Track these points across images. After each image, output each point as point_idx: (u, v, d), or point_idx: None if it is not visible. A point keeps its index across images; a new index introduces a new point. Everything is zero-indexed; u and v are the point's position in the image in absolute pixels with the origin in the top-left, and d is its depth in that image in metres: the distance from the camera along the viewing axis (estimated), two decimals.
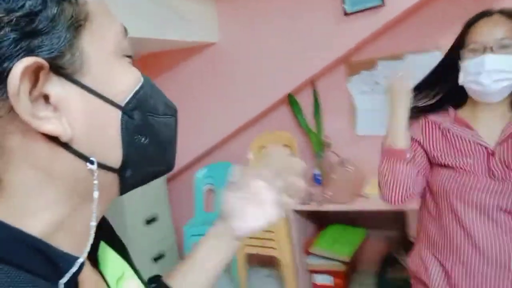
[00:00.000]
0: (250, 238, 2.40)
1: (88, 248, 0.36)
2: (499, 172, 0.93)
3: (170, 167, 0.44)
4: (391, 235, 2.40)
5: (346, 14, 2.14)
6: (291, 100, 2.52)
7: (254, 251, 2.41)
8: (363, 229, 2.42)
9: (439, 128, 1.03)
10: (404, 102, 0.98)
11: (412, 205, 1.94)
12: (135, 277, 0.47)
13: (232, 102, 2.59)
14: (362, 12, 2.09)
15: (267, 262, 2.75)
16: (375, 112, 2.38)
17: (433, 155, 1.02)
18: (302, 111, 2.52)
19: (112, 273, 0.43)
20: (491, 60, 0.92)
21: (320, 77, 2.46)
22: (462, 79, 0.98)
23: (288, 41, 2.34)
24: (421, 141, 1.06)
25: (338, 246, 2.29)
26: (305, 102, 2.51)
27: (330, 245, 2.30)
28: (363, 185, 2.27)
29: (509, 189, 0.91)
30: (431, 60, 2.20)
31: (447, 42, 2.07)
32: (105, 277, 0.42)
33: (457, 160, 0.98)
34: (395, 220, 2.24)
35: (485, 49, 0.93)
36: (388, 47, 2.25)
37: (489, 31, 0.94)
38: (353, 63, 2.37)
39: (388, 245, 2.41)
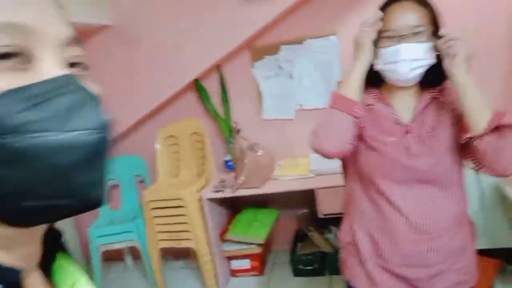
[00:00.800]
0: (164, 232, 2.30)
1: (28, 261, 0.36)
2: (416, 148, 0.99)
3: (83, 199, 0.35)
4: (301, 214, 2.52)
5: None
6: (198, 86, 2.45)
7: (168, 244, 2.32)
8: (276, 210, 2.49)
9: (365, 105, 1.05)
10: (364, 55, 0.99)
11: (321, 184, 2.08)
12: (89, 285, 0.45)
13: (134, 90, 2.42)
14: None
15: (182, 254, 2.68)
16: (280, 96, 2.44)
17: (363, 133, 1.05)
18: (210, 97, 2.47)
19: (64, 283, 0.42)
20: (406, 49, 0.95)
21: (226, 62, 2.43)
22: (380, 66, 1.01)
23: (191, 25, 2.25)
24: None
25: (253, 229, 2.32)
26: (212, 88, 2.46)
27: (244, 230, 2.32)
28: (273, 168, 2.33)
29: (426, 164, 0.98)
30: (328, 44, 2.36)
31: (344, 27, 2.24)
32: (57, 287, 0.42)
33: (380, 138, 1.02)
34: (305, 199, 2.34)
35: (400, 38, 0.96)
36: (290, 32, 2.31)
37: (403, 18, 0.96)
38: (257, 48, 2.38)
39: (299, 223, 2.53)
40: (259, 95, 2.46)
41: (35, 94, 0.32)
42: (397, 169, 1.00)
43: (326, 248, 2.29)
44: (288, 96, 2.43)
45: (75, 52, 0.39)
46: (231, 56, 2.39)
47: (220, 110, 2.47)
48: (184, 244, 2.29)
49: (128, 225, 2.42)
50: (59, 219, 0.36)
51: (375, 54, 1.01)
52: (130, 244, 2.45)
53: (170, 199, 2.22)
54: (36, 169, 0.32)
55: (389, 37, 0.98)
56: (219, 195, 2.18)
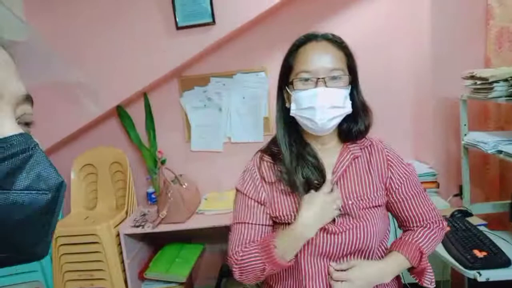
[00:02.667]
0: (74, 271, 2.08)
1: None
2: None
3: (26, 253, 0.36)
4: (226, 248, 2.45)
5: (178, 28, 2.10)
6: (121, 113, 2.32)
7: (79, 285, 2.09)
8: (200, 245, 2.39)
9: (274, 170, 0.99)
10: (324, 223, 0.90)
11: None
12: None
13: (49, 114, 2.21)
14: (194, 28, 2.09)
15: None
16: (208, 127, 2.41)
17: (276, 215, 0.96)
18: (134, 125, 2.35)
19: None
20: (323, 95, 0.89)
21: (153, 90, 2.35)
22: (294, 110, 0.95)
23: (117, 50, 2.15)
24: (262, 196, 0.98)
25: (175, 267, 2.19)
26: (137, 116, 2.35)
27: (166, 267, 2.18)
28: (199, 202, 2.26)
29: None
30: (257, 79, 2.41)
31: (273, 64, 2.30)
32: None
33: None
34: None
35: (317, 82, 0.90)
36: (221, 65, 2.31)
37: (319, 60, 0.91)
38: (187, 78, 2.35)
39: (224, 259, 2.46)
40: (187, 126, 2.40)
41: None
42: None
43: (250, 285, 2.24)
44: (217, 128, 2.41)
45: (28, 110, 0.40)
46: (159, 84, 2.32)
47: (144, 139, 2.36)
48: (97, 285, 2.08)
49: (33, 263, 2.15)
50: None
51: (289, 97, 0.96)
52: (34, 285, 2.16)
53: (82, 235, 2.02)
54: None
55: (302, 80, 0.92)
56: (139, 230, 2.03)
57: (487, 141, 1.54)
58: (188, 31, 2.10)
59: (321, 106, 0.90)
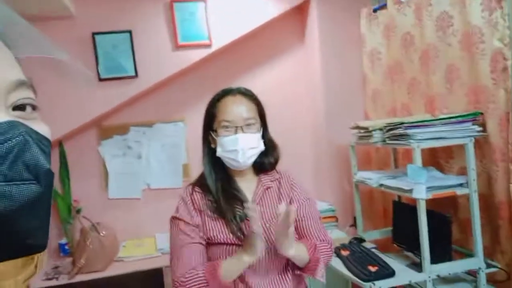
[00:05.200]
0: None
1: None
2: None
3: (21, 246, 0.35)
4: None
5: (100, 79, 2.19)
6: None
7: None
8: None
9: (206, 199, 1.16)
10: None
11: (168, 262, 2.09)
12: None
13: None
14: (116, 80, 2.21)
15: None
16: (127, 175, 2.45)
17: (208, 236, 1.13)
18: None
19: None
20: (243, 139, 1.12)
21: (70, 139, 2.34)
22: (221, 153, 1.16)
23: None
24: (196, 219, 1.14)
25: None
26: (52, 164, 2.28)
27: None
28: (117, 249, 2.23)
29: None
30: (176, 129, 2.58)
31: (191, 114, 2.50)
32: None
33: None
34: (152, 280, 2.28)
35: (236, 129, 1.13)
36: (140, 114, 2.43)
37: (237, 111, 1.14)
38: (106, 127, 2.40)
39: None
40: (104, 174, 2.41)
41: None
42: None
43: None
44: (136, 176, 2.46)
45: (22, 95, 0.38)
46: (76, 133, 2.33)
47: (58, 187, 2.30)
48: None
49: None
50: None
51: (215, 141, 1.17)
52: None
53: None
54: None
55: (225, 127, 1.15)
56: (54, 283, 1.93)
57: (372, 177, 1.91)
58: (110, 83, 2.21)
59: (242, 148, 1.13)
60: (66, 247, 2.26)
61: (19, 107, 0.38)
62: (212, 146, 1.20)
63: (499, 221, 1.63)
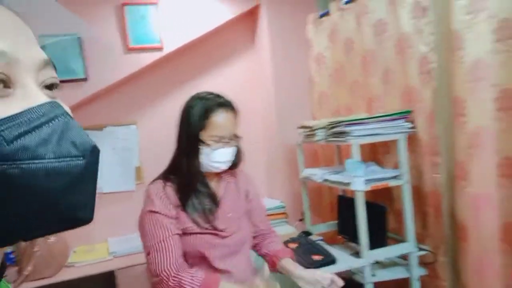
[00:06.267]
0: None
1: None
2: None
3: (70, 219, 0.36)
4: None
5: None
6: None
7: None
8: None
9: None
10: None
11: (121, 265, 2.08)
12: None
13: None
14: (66, 83, 2.18)
15: None
16: None
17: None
18: None
19: None
20: (229, 152, 1.28)
21: None
22: (203, 159, 1.26)
23: None
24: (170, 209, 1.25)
25: None
26: None
27: None
28: (67, 255, 2.19)
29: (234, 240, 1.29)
30: (128, 132, 2.57)
31: (143, 118, 2.51)
32: None
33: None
34: (105, 282, 2.26)
35: (224, 143, 1.26)
36: (92, 118, 2.41)
37: (229, 128, 1.26)
38: None
39: None
40: None
41: (24, 121, 0.33)
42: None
43: None
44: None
45: (50, 74, 0.40)
46: None
47: None
48: None
49: None
50: (46, 235, 0.37)
51: (199, 149, 1.26)
52: None
53: None
54: (26, 194, 0.33)
55: (215, 141, 1.25)
56: None
57: (317, 173, 2.03)
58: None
59: (228, 159, 1.28)
60: (12, 255, 2.18)
61: (49, 87, 0.39)
62: (192, 152, 1.27)
63: (428, 209, 1.79)
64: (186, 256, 1.23)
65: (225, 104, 1.29)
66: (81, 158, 0.35)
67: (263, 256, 1.46)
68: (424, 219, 1.85)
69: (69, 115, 0.37)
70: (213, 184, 1.35)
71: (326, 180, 1.96)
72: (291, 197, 2.52)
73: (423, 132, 1.77)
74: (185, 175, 1.27)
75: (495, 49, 1.40)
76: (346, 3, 2.20)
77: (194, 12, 2.43)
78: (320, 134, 1.99)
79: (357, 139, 1.72)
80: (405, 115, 1.80)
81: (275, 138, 2.58)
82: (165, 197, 1.24)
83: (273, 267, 1.41)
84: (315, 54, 2.50)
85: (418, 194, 1.85)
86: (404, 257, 1.83)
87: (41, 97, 0.36)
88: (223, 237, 1.27)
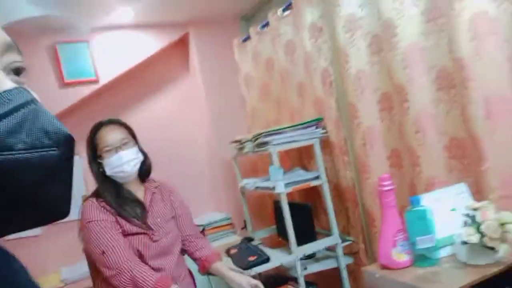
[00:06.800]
0: None
1: None
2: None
3: (48, 213, 0.35)
4: None
5: None
6: None
7: None
8: None
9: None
10: None
11: None
12: None
13: None
14: None
15: None
16: None
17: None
18: None
19: None
20: (124, 154, 1.42)
21: None
22: (109, 171, 1.42)
23: None
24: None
25: None
26: None
27: None
28: None
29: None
30: (74, 163, 2.66)
31: (85, 148, 2.61)
32: None
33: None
34: None
35: (116, 149, 1.42)
36: None
37: (113, 136, 1.44)
38: None
39: None
40: None
41: None
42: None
43: None
44: None
45: (16, 58, 0.37)
46: None
47: None
48: None
49: None
50: (22, 230, 0.35)
51: (102, 165, 1.44)
52: None
53: None
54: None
55: (108, 151, 1.44)
56: None
57: (250, 182, 2.22)
58: None
59: (126, 161, 1.43)
60: None
61: (15, 71, 0.37)
62: (100, 170, 1.46)
63: (347, 203, 2.02)
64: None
65: (106, 121, 1.50)
66: (55, 149, 0.32)
67: (195, 260, 1.61)
68: (346, 213, 2.08)
69: (38, 102, 0.34)
70: (139, 194, 1.52)
71: (257, 187, 2.15)
72: (235, 208, 2.69)
73: (333, 136, 2.01)
74: (105, 188, 1.43)
75: (371, 61, 1.67)
76: (262, 27, 2.46)
77: (126, 44, 2.60)
78: (248, 147, 2.19)
79: (275, 147, 1.94)
80: (317, 122, 2.04)
81: (216, 154, 2.76)
82: (101, 207, 1.41)
83: (204, 270, 1.57)
84: (243, 75, 2.74)
85: (338, 191, 2.08)
86: (332, 248, 2.04)
87: (7, 83, 0.33)
88: (155, 240, 1.43)
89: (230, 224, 2.61)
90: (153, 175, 1.62)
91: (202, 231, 1.89)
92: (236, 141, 2.35)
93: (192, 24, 2.76)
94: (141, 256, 1.40)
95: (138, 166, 1.49)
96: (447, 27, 1.35)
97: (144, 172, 1.55)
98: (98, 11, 2.31)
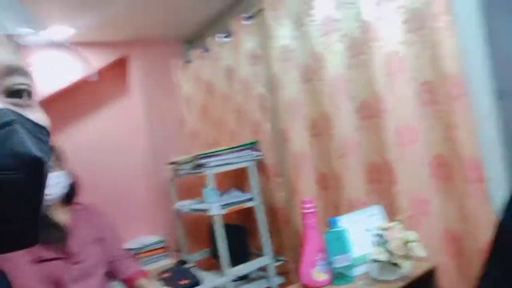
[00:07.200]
0: None
1: None
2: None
3: (10, 241, 0.34)
4: None
5: None
6: None
7: None
8: None
9: None
10: None
11: None
12: None
13: None
14: None
15: None
16: None
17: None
18: None
19: None
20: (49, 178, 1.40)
21: None
22: None
23: None
24: None
25: None
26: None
27: None
28: None
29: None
30: None
31: None
32: None
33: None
34: None
35: None
36: None
37: None
38: None
39: None
40: None
41: None
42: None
43: None
44: None
45: (17, 80, 0.37)
46: None
47: None
48: None
49: None
50: None
51: None
52: None
53: None
54: None
55: None
56: None
57: (185, 204, 2.21)
58: None
59: (49, 186, 1.35)
60: None
61: (15, 94, 0.36)
62: None
63: (280, 224, 2.08)
64: (44, 280, 1.32)
65: None
66: (17, 172, 0.31)
67: (122, 281, 1.56)
68: (279, 233, 2.14)
69: (19, 123, 0.33)
70: (62, 217, 1.47)
71: (192, 210, 2.15)
72: (171, 231, 2.65)
73: (267, 159, 2.09)
74: None
75: (302, 88, 1.79)
76: (204, 51, 2.52)
77: (63, 62, 2.52)
78: (185, 168, 2.19)
79: (211, 169, 1.97)
80: (252, 145, 2.11)
81: (152, 177, 2.72)
82: None
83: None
84: (184, 96, 2.76)
85: (272, 212, 2.14)
86: (265, 268, 2.08)
87: None
88: (76, 262, 1.39)
89: (164, 247, 2.56)
90: (86, 197, 1.58)
91: (134, 255, 1.84)
92: (173, 163, 2.35)
93: (133, 45, 2.75)
94: (59, 281, 1.34)
95: (63, 189, 1.44)
96: (367, 63, 1.49)
97: (71, 195, 1.51)
98: (35, 27, 2.24)
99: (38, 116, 0.38)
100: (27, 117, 0.36)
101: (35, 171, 0.32)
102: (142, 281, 1.52)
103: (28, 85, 0.38)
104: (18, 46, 0.39)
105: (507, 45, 1.42)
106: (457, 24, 1.26)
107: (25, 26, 0.41)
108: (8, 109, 0.34)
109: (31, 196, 0.33)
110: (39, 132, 0.37)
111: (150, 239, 2.59)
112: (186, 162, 2.18)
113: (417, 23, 1.34)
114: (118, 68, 2.87)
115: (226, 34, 2.29)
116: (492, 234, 0.62)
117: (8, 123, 0.32)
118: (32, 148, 0.32)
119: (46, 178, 0.35)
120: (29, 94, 0.38)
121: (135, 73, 2.75)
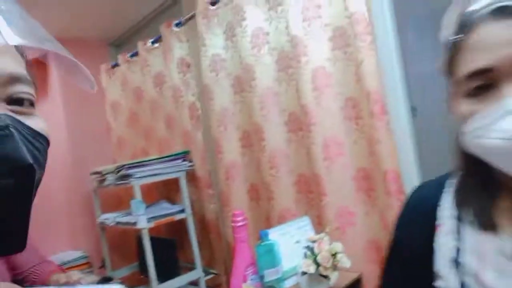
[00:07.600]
0: None
1: None
2: None
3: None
4: None
5: None
6: None
7: None
8: None
9: None
10: None
11: None
12: None
13: None
14: None
15: None
16: None
17: None
18: None
19: None
20: None
21: None
22: None
23: None
24: None
25: None
26: None
27: None
28: None
29: None
30: None
31: None
32: None
33: None
34: None
35: None
36: None
37: None
38: None
39: None
40: None
41: None
42: None
43: None
44: None
45: (20, 89, 0.37)
46: None
47: None
48: None
49: None
50: None
51: None
52: None
53: None
54: None
55: None
56: None
57: (109, 217, 2.08)
58: None
59: None
60: None
61: (17, 102, 0.37)
62: None
63: (211, 236, 2.04)
64: None
65: None
66: (6, 177, 0.31)
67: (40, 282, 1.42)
68: (210, 246, 2.10)
69: (14, 128, 0.34)
70: None
71: (118, 223, 2.03)
72: (95, 246, 2.47)
73: (199, 169, 2.04)
74: None
75: (234, 99, 1.78)
76: (132, 56, 2.40)
77: None
78: (110, 179, 2.06)
79: (138, 180, 1.87)
80: (183, 155, 2.05)
81: (74, 187, 2.52)
82: None
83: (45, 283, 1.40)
84: (110, 102, 2.60)
85: (203, 224, 2.09)
86: (196, 282, 2.02)
87: None
88: None
89: (87, 263, 2.38)
90: None
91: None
92: (96, 173, 2.19)
93: None
94: None
95: None
96: (295, 77, 1.52)
97: None
98: None
99: (38, 123, 0.38)
100: (25, 123, 0.36)
101: (25, 177, 0.33)
102: (56, 276, 1.38)
103: (30, 94, 0.39)
104: (22, 55, 0.40)
105: (417, 65, 1.55)
106: (376, 44, 1.34)
107: None
108: (4, 114, 0.34)
109: (19, 203, 0.33)
110: (36, 140, 0.37)
111: (71, 254, 2.39)
112: (110, 172, 2.05)
113: (342, 40, 1.40)
114: (37, 69, 2.61)
115: (155, 40, 2.21)
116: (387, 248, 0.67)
117: (2, 128, 0.32)
118: (25, 154, 0.33)
119: (36, 186, 0.35)
120: (31, 102, 0.39)
121: (57, 74, 2.53)
